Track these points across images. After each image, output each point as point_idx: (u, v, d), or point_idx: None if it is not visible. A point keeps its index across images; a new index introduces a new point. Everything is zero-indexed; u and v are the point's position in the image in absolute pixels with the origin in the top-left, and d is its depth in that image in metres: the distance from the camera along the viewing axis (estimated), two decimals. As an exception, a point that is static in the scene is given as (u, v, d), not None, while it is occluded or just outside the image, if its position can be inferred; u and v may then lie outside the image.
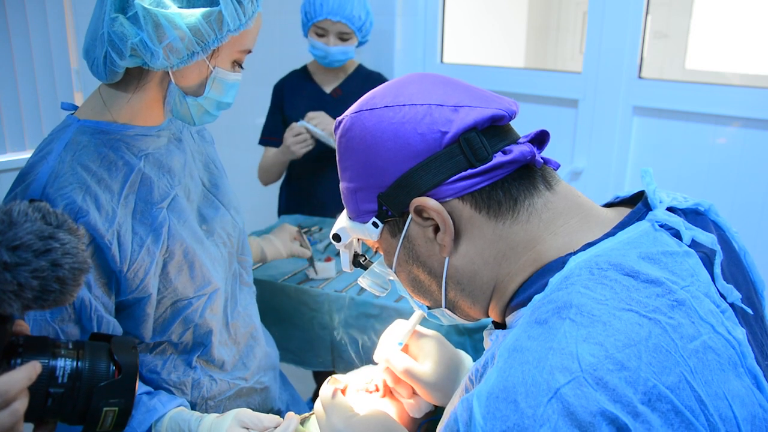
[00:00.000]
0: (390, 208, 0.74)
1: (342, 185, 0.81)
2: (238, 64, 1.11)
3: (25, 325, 0.80)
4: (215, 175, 1.32)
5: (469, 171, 0.70)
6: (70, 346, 0.78)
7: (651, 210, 0.72)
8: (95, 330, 1.05)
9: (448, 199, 0.71)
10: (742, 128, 2.05)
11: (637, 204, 0.74)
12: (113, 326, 1.08)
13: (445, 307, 0.79)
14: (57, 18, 2.49)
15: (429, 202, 0.71)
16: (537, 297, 0.66)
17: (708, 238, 0.70)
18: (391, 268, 0.81)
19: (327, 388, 0.94)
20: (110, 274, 1.06)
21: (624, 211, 0.75)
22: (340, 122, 0.79)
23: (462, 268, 0.74)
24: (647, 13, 2.16)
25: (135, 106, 1.10)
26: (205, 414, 1.12)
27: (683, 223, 0.70)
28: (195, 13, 0.99)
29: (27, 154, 2.50)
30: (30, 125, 2.50)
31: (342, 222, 0.84)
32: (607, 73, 2.23)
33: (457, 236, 0.73)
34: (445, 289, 0.77)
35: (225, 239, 1.28)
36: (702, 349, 0.60)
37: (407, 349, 1.03)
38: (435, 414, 1.06)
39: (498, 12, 3.31)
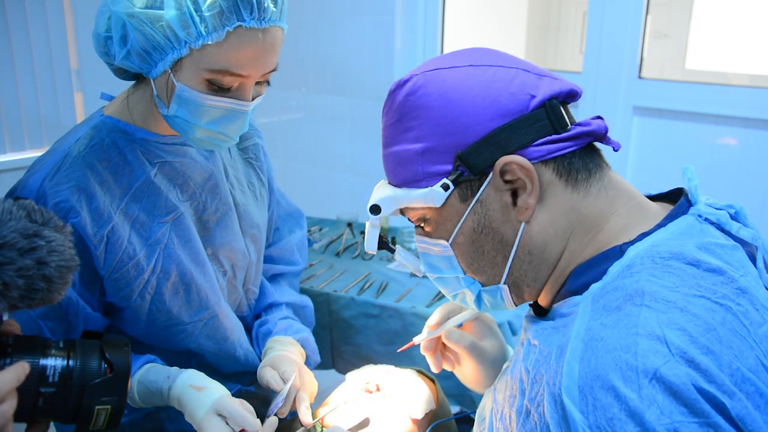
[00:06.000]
0: (469, 168, 0.71)
1: (396, 149, 0.76)
2: (218, 86, 0.97)
3: (15, 325, 0.78)
4: (248, 196, 1.26)
5: (554, 136, 0.71)
6: (61, 345, 0.77)
7: (692, 205, 0.72)
8: (81, 326, 1.04)
9: (533, 161, 0.70)
10: (742, 128, 2.04)
11: (673, 199, 0.76)
12: (100, 323, 1.07)
13: (504, 283, 0.76)
14: (57, 18, 2.49)
15: (520, 160, 0.69)
16: (595, 285, 0.66)
17: (749, 233, 0.71)
18: (448, 239, 0.76)
19: None
20: (95, 275, 1.05)
21: (664, 205, 0.76)
22: (405, 82, 0.75)
23: (536, 236, 0.72)
24: (647, 13, 2.15)
25: (155, 113, 1.06)
26: (172, 370, 1.07)
27: (727, 217, 0.71)
28: (150, 15, 0.92)
29: (27, 154, 2.51)
30: (30, 125, 2.50)
31: (384, 191, 0.79)
32: (607, 73, 2.23)
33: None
34: (512, 261, 0.74)
35: (227, 268, 1.22)
36: None
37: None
38: (434, 414, 1.06)
39: (498, 12, 3.30)
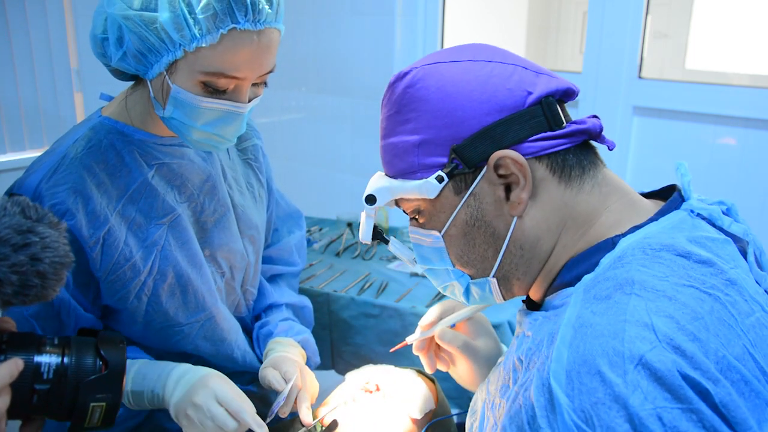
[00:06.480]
0: (463, 161, 0.72)
1: (393, 140, 0.77)
2: (214, 88, 0.96)
3: (10, 322, 0.78)
4: (247, 197, 1.26)
5: (549, 133, 0.72)
6: (56, 342, 0.76)
7: (685, 201, 0.74)
8: (73, 325, 1.04)
9: (527, 157, 0.71)
10: (742, 128, 2.04)
11: (666, 196, 0.77)
12: (92, 323, 1.06)
13: (493, 276, 0.77)
14: (57, 18, 2.49)
15: (514, 154, 0.70)
16: (587, 277, 0.67)
17: (740, 229, 0.72)
18: (440, 230, 0.77)
19: None
20: (90, 277, 1.04)
21: (657, 202, 0.77)
22: (404, 74, 0.76)
23: (528, 231, 0.73)
24: (647, 13, 2.15)
25: (153, 114, 1.06)
26: (166, 364, 1.08)
27: (719, 212, 0.72)
28: (145, 17, 0.91)
29: (27, 154, 2.51)
30: (30, 125, 2.51)
31: (380, 182, 0.80)
32: (607, 73, 2.23)
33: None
34: (503, 255, 0.75)
35: (225, 269, 1.22)
36: (757, 325, 0.62)
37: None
38: (434, 414, 1.06)
39: (498, 12, 3.30)
